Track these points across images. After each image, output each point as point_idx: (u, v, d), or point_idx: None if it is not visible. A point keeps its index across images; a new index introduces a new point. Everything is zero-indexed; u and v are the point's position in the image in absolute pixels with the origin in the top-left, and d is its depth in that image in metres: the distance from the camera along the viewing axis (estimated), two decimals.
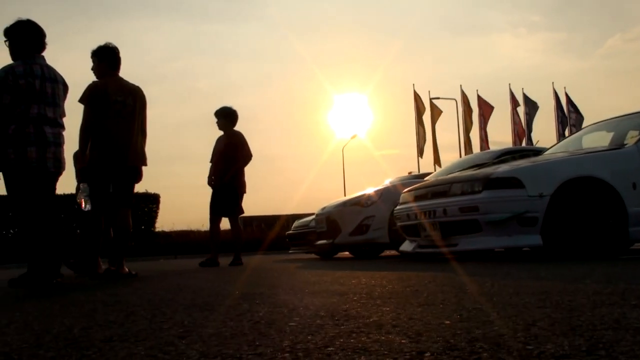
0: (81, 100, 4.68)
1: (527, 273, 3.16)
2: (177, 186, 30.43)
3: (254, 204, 39.03)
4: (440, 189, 5.18)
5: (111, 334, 1.55)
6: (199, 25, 50.93)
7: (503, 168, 4.93)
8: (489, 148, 23.78)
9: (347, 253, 9.11)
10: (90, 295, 2.98)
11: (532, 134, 24.59)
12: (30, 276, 3.78)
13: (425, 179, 7.67)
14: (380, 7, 53.54)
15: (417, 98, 23.32)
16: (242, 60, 52.12)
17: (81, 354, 1.28)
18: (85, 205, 4.83)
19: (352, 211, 6.95)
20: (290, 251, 9.52)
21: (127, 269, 4.81)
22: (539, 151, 6.82)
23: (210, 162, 6.87)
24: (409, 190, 5.70)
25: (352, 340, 1.29)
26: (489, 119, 24.22)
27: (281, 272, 4.71)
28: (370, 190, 7.36)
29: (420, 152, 22.86)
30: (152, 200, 17.99)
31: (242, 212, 6.77)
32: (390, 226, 6.67)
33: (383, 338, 1.30)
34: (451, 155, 66.16)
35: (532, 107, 24.90)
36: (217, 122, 6.84)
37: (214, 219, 6.73)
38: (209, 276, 4.55)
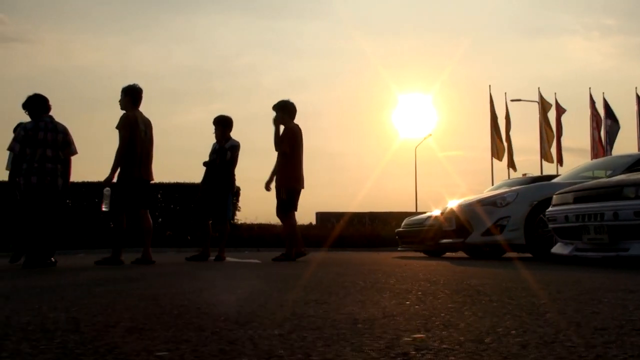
0: (118, 127, 5.88)
1: None
2: (251, 180, 30.87)
3: (316, 201, 39.01)
4: (607, 192, 5.08)
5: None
6: (267, 21, 51.49)
7: None
8: (561, 153, 23.11)
9: (457, 253, 9.04)
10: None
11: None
12: (30, 259, 5.56)
13: (553, 180, 7.55)
14: (447, 6, 52.82)
15: (492, 100, 22.95)
16: (307, 57, 52.38)
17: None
18: (104, 207, 6.01)
19: (486, 211, 6.88)
20: (400, 248, 9.52)
21: (151, 256, 5.98)
22: None
23: None
24: (564, 192, 5.61)
25: None
26: (561, 123, 23.50)
27: (459, 271, 4.72)
28: (503, 190, 7.30)
29: (496, 155, 22.47)
30: (233, 193, 18.35)
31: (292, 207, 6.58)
32: (526, 227, 6.57)
33: None
34: (524, 157, 64.18)
35: (613, 120, 23.80)
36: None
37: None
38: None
